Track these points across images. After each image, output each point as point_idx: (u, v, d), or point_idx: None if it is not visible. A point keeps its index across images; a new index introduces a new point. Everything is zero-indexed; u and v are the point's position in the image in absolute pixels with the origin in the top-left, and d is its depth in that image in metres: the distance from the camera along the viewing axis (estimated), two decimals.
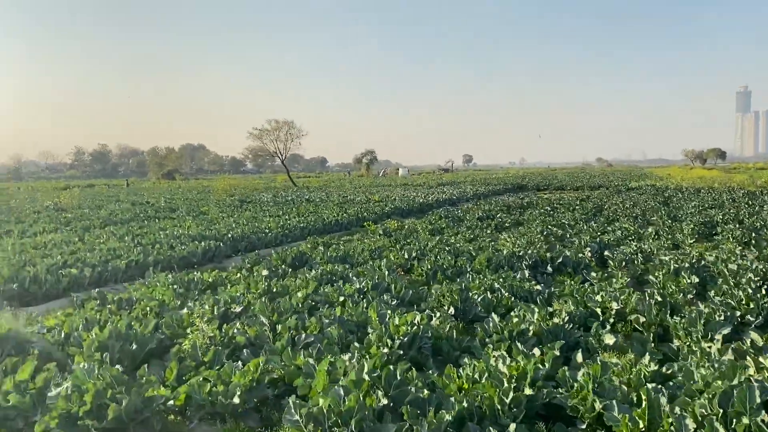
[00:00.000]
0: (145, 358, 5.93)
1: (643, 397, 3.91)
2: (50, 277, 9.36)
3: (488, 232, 15.94)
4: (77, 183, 73.21)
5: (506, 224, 18.02)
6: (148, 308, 7.27)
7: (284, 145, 49.91)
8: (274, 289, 8.24)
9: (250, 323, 6.43)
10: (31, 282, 9.15)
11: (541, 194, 36.31)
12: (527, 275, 9.20)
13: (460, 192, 34.36)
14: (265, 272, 9.64)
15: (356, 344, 5.55)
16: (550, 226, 16.49)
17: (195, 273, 9.52)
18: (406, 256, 10.88)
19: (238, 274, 10.03)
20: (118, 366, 5.17)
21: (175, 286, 8.60)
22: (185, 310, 6.75)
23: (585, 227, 15.69)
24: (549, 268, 9.91)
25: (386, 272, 9.13)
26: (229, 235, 14.08)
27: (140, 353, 5.87)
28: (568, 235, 14.71)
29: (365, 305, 7.03)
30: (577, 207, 22.25)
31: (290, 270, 10.09)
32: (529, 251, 10.53)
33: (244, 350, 5.67)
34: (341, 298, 7.50)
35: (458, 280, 9.14)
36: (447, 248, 11.62)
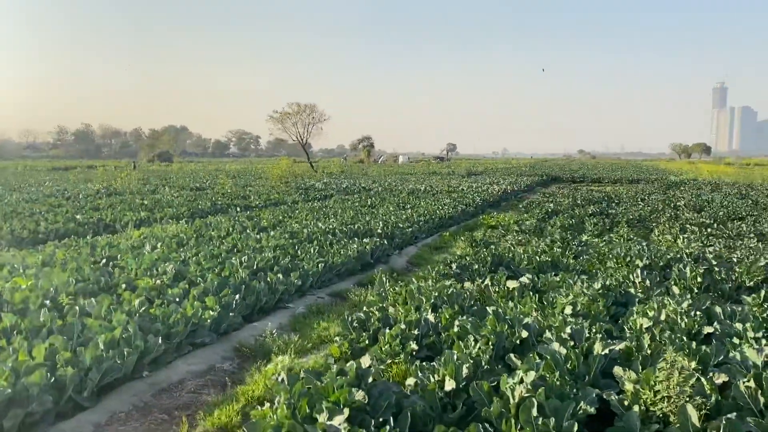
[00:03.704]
0: None
1: None
2: (263, 285, 7.67)
3: (626, 229, 14.56)
4: (75, 163, 70.15)
5: (633, 221, 16.73)
6: (473, 339, 5.65)
7: (306, 130, 47.86)
8: (579, 309, 6.70)
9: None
10: (248, 292, 7.47)
11: (586, 186, 35.15)
12: None
13: (511, 183, 32.94)
14: (513, 284, 8.05)
15: None
16: (691, 225, 15.23)
17: (456, 285, 7.88)
18: (639, 264, 9.40)
19: (468, 284, 8.46)
20: None
21: (437, 300, 7.01)
22: (558, 347, 5.15)
23: (745, 228, 14.33)
24: None
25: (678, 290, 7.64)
26: (378, 231, 12.45)
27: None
28: (724, 235, 13.41)
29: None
30: (679, 205, 20.91)
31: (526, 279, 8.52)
32: None
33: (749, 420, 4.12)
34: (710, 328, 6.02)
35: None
36: (677, 253, 10.15)
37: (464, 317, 6.18)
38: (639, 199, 23.64)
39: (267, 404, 4.55)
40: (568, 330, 5.58)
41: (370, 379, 4.66)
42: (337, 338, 6.22)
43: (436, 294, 7.17)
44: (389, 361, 5.62)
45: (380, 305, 7.39)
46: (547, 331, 5.63)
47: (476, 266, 9.52)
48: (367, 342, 6.03)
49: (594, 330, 5.72)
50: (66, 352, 4.99)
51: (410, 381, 5.08)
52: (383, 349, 5.68)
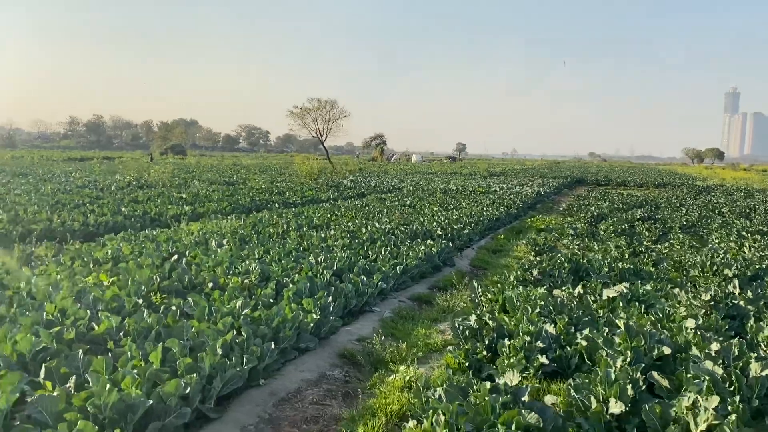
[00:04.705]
0: None
1: None
2: (350, 287, 7.33)
3: (681, 236, 14.14)
4: (90, 154, 70.03)
5: (685, 227, 16.29)
6: (605, 355, 5.27)
7: (326, 126, 47.46)
8: (702, 323, 6.28)
9: None
10: (336, 294, 7.13)
11: (614, 190, 34.57)
12: None
13: (539, 185, 32.49)
14: (611, 292, 7.63)
15: None
16: (749, 233, 14.78)
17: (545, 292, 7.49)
18: (729, 274, 8.98)
19: (557, 292, 8.05)
20: None
21: (542, 309, 6.62)
22: (712, 366, 4.73)
23: None
24: None
25: None
26: (438, 232, 12.09)
27: None
28: None
29: None
30: (723, 211, 20.44)
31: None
32: None
33: None
34: None
35: None
36: None
37: (589, 330, 5.78)
38: (678, 204, 23.16)
39: (412, 421, 4.20)
40: (713, 347, 5.19)
41: (525, 398, 4.29)
42: (450, 348, 5.85)
43: (542, 303, 6.77)
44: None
45: (474, 312, 7.03)
46: (694, 347, 5.23)
47: (556, 272, 9.13)
48: (484, 353, 5.65)
49: (737, 348, 5.32)
50: (186, 357, 4.63)
51: (550, 399, 4.72)
52: (510, 362, 5.30)
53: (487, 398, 4.09)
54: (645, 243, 13.12)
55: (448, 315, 7.51)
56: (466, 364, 5.57)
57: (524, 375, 5.30)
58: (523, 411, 3.89)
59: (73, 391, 4.10)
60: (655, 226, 15.98)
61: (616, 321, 5.86)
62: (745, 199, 27.39)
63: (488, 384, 4.32)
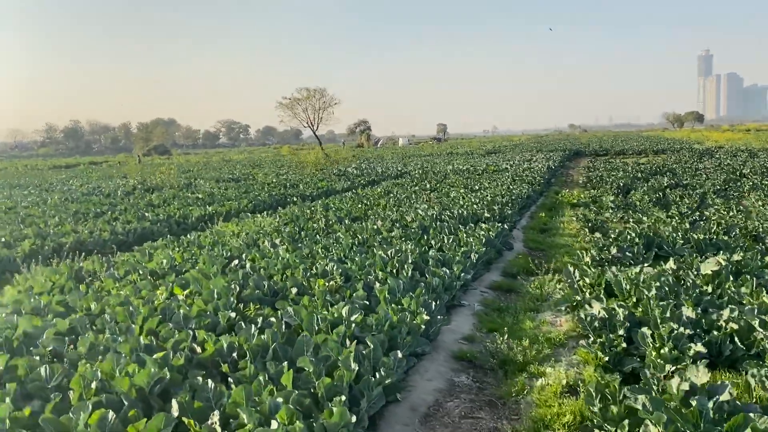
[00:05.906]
0: None
1: None
2: (438, 281, 6.80)
3: (719, 201, 13.80)
4: (75, 161, 68.50)
5: (719, 191, 15.91)
6: (761, 338, 4.80)
7: (317, 115, 46.56)
8: None
9: None
10: (427, 290, 6.59)
11: (617, 159, 34.18)
12: None
13: (545, 159, 32.06)
14: (711, 266, 7.16)
15: None
16: None
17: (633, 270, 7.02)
18: None
19: (648, 269, 7.58)
20: None
21: (658, 291, 6.13)
22: None
23: None
24: None
25: None
26: (486, 215, 11.60)
27: None
28: None
29: None
30: (744, 172, 20.14)
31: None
32: None
33: None
34: None
35: None
36: None
37: (730, 311, 5.31)
38: (694, 169, 22.82)
39: None
40: None
41: (725, 397, 3.80)
42: (582, 342, 5.35)
43: (657, 284, 6.28)
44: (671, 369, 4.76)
45: (576, 298, 6.58)
46: None
47: (635, 249, 8.66)
48: (623, 345, 5.14)
49: None
50: (324, 377, 4.08)
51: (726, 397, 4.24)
52: (662, 353, 4.80)
53: (694, 403, 3.59)
54: (695, 211, 12.71)
55: (542, 303, 7.02)
56: (606, 359, 5.07)
57: (678, 366, 4.82)
58: (751, 415, 3.39)
59: (219, 429, 3.54)
60: (687, 193, 15.58)
61: (763, 298, 5.38)
62: (752, 159, 27.14)
63: (683, 385, 3.82)
